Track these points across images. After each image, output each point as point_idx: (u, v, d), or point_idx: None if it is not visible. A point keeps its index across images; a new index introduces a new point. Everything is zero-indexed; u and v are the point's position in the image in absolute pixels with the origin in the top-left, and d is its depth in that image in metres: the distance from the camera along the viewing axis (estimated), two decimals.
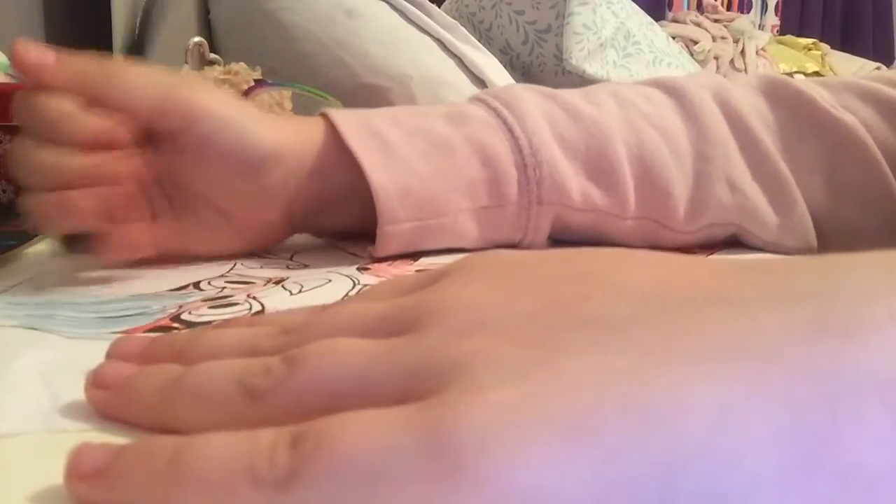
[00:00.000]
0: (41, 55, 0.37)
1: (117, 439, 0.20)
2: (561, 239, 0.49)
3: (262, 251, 0.46)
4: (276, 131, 0.42)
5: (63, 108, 0.37)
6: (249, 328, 0.25)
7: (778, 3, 2.95)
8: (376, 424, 0.16)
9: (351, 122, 0.43)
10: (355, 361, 0.19)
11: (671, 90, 0.50)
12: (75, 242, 0.40)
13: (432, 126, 0.45)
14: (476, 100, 0.48)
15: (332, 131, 0.43)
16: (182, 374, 0.21)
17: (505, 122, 0.45)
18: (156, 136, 0.40)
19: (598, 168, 0.46)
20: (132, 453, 0.18)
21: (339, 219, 0.46)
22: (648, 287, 0.19)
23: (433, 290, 0.21)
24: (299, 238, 0.48)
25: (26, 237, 0.48)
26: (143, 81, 0.40)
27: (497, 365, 0.17)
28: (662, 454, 0.15)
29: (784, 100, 0.49)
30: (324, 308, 0.24)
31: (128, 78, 0.39)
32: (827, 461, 0.15)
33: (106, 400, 0.22)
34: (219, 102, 0.41)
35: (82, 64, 0.39)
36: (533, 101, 0.47)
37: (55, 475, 0.18)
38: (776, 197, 0.47)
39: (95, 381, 0.22)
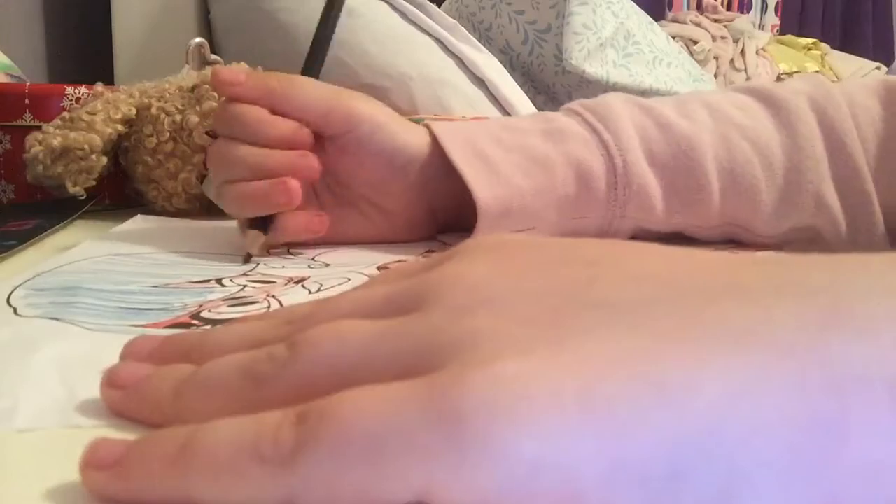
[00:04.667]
0: (234, 75, 0.46)
1: (130, 436, 0.20)
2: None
3: (409, 240, 0.51)
4: (417, 137, 0.49)
5: (259, 115, 0.45)
6: (256, 323, 0.25)
7: (778, 3, 2.95)
8: (380, 398, 0.16)
9: (454, 138, 0.48)
10: (357, 341, 0.19)
11: (766, 99, 0.51)
12: (258, 225, 0.46)
13: (531, 143, 0.48)
14: (571, 111, 0.50)
15: (436, 143, 0.48)
16: (193, 371, 0.21)
17: (601, 138, 0.48)
18: (323, 139, 0.47)
19: (685, 183, 0.48)
20: (146, 443, 0.18)
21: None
22: (660, 273, 0.18)
23: (436, 270, 0.21)
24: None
25: (27, 237, 0.48)
26: (315, 92, 0.47)
27: (501, 341, 0.17)
28: (672, 431, 0.15)
29: None
30: (328, 298, 0.24)
31: (303, 89, 0.47)
32: (835, 452, 0.15)
33: (120, 400, 0.22)
34: (374, 110, 0.48)
35: (265, 79, 0.47)
36: (627, 115, 0.49)
37: (68, 471, 0.18)
38: (855, 210, 0.49)
39: (110, 381, 0.23)
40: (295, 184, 0.45)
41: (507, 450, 0.15)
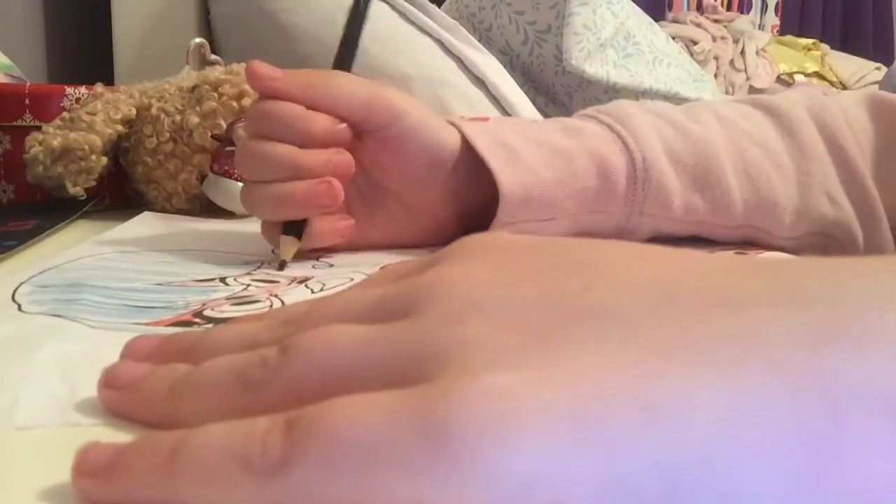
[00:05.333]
0: (270, 71, 0.45)
1: (127, 435, 0.20)
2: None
3: (433, 244, 0.50)
4: (452, 133, 0.48)
5: (297, 112, 0.44)
6: (253, 323, 0.25)
7: (778, 3, 2.95)
8: (369, 408, 0.16)
9: (478, 130, 0.48)
10: (348, 346, 0.19)
11: (767, 109, 0.52)
12: (290, 230, 0.45)
13: (552, 138, 0.48)
14: (586, 116, 0.51)
15: (463, 139, 0.47)
16: (188, 372, 0.21)
17: (619, 135, 0.48)
18: (360, 134, 0.46)
19: (705, 181, 0.48)
20: (135, 448, 0.18)
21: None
22: (653, 281, 0.18)
23: (430, 272, 0.21)
24: None
25: (27, 237, 0.48)
26: (354, 85, 0.46)
27: (492, 351, 0.17)
28: (666, 453, 0.15)
29: (884, 114, 0.52)
30: (324, 298, 0.24)
31: (342, 83, 0.45)
32: (831, 474, 0.14)
33: (117, 400, 0.22)
34: (413, 105, 0.47)
35: (303, 75, 0.45)
36: (644, 118, 0.49)
37: (66, 470, 0.18)
38: (863, 212, 0.50)
39: (108, 381, 0.23)
40: (338, 184, 0.43)
41: (499, 466, 0.14)
